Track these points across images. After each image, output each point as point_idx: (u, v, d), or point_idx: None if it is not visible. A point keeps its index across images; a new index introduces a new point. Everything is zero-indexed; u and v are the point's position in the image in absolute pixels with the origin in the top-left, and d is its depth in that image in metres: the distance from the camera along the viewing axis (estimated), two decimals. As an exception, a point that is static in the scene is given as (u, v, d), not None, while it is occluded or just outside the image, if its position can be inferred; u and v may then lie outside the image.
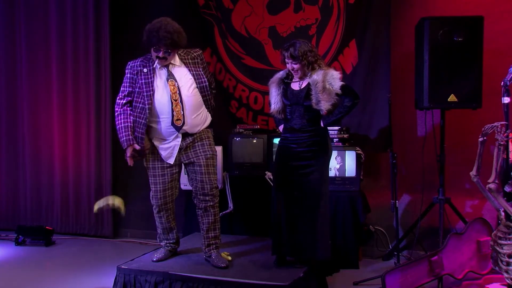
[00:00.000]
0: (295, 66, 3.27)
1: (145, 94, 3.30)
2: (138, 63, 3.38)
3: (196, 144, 3.40)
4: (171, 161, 3.38)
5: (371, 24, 4.30)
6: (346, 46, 4.42)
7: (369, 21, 4.30)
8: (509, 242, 2.95)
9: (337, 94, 3.19)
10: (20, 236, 4.91)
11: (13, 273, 4.06)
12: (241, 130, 4.49)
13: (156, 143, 3.39)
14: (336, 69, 3.40)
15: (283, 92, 3.37)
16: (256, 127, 4.53)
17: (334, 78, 3.19)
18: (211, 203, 3.42)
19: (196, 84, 3.34)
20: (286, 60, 3.30)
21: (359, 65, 4.38)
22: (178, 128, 3.29)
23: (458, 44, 3.69)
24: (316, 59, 3.27)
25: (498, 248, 3.01)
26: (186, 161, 3.41)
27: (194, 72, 3.36)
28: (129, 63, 3.42)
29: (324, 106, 3.17)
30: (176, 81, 3.29)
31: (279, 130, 3.56)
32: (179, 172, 3.52)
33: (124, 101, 3.37)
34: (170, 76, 3.29)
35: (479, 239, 3.49)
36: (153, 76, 3.31)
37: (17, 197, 5.51)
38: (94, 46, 5.13)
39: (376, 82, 4.31)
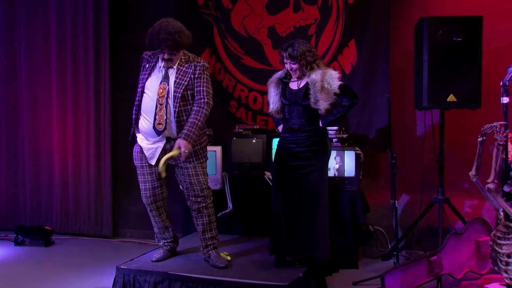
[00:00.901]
0: (294, 66, 3.26)
1: (138, 89, 3.30)
2: (147, 56, 3.36)
3: None
4: (153, 162, 3.33)
5: (370, 24, 4.30)
6: (345, 46, 4.42)
7: (368, 21, 4.30)
8: (508, 242, 2.95)
9: (335, 94, 3.19)
10: (20, 236, 4.91)
11: (13, 273, 4.06)
12: (240, 130, 4.49)
13: (141, 141, 3.35)
14: (335, 69, 3.40)
15: (282, 92, 3.37)
16: (256, 127, 4.52)
17: (332, 78, 3.19)
18: (204, 204, 3.38)
19: (171, 91, 3.22)
20: (284, 60, 3.30)
21: (358, 65, 4.37)
22: (158, 133, 3.23)
23: (457, 44, 3.69)
24: (314, 59, 3.27)
25: (497, 248, 3.00)
26: (173, 163, 3.37)
27: (177, 80, 3.23)
28: (143, 53, 3.39)
29: (323, 105, 3.17)
30: (168, 85, 3.22)
31: (278, 130, 3.56)
32: (167, 171, 3.49)
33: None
34: (165, 79, 3.24)
35: (478, 239, 3.49)
36: (149, 74, 3.28)
37: (16, 197, 5.51)
38: (94, 46, 5.13)
39: (376, 82, 4.31)
